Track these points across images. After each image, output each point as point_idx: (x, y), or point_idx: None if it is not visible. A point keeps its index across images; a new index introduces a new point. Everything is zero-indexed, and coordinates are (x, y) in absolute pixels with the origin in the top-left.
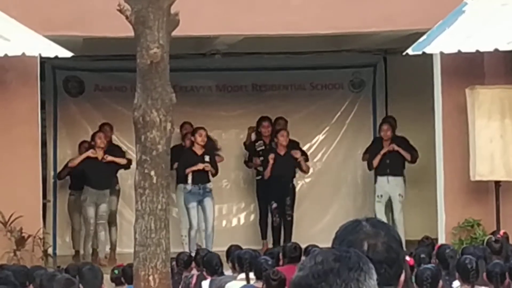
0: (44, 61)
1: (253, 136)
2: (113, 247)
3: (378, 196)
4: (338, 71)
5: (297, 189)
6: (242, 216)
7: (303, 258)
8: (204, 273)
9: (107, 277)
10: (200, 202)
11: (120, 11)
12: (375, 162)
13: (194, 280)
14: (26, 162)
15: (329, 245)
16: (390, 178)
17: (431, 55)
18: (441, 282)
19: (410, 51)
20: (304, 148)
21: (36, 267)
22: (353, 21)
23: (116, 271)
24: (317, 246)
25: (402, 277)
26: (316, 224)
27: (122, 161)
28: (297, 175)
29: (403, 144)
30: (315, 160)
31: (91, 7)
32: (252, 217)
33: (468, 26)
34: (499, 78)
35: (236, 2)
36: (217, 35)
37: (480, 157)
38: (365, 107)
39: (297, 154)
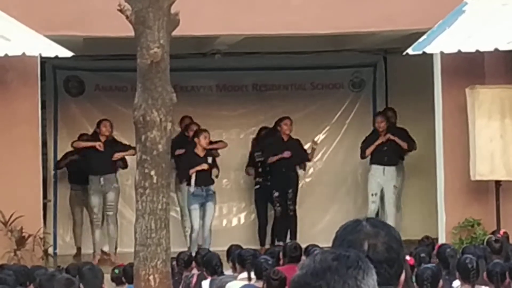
0: (44, 61)
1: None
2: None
3: (372, 195)
4: (338, 71)
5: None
6: (242, 216)
7: (303, 258)
8: (204, 272)
9: (107, 276)
10: (203, 205)
11: (120, 11)
12: (368, 151)
13: (194, 279)
14: (26, 162)
15: (330, 245)
16: (387, 168)
17: (431, 55)
18: (441, 282)
19: (410, 51)
20: (305, 148)
21: (37, 267)
22: (353, 21)
23: (116, 271)
24: (317, 246)
25: (403, 277)
26: (317, 223)
27: (131, 152)
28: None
29: (401, 134)
30: (315, 159)
31: (91, 7)
32: (252, 217)
33: (468, 26)
34: (499, 78)
35: (236, 2)
36: (217, 35)
37: (480, 156)
38: (366, 107)
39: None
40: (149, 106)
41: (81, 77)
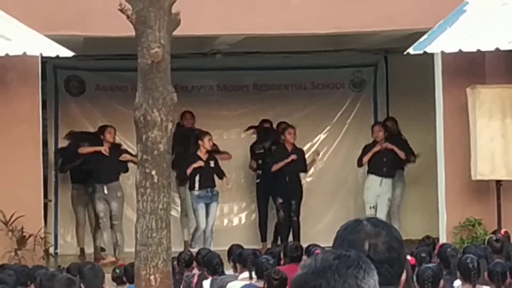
0: (45, 60)
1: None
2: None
3: (370, 208)
4: (339, 71)
5: None
6: (243, 215)
7: (304, 257)
8: (205, 272)
9: (108, 276)
10: (207, 205)
11: (121, 10)
12: (365, 158)
13: (195, 279)
14: (27, 161)
15: (330, 244)
16: (384, 180)
17: (432, 55)
18: (442, 282)
19: (411, 50)
20: (305, 148)
21: (37, 267)
22: (353, 21)
23: (117, 270)
24: (318, 246)
25: (403, 277)
26: (317, 223)
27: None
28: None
29: (400, 143)
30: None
31: (91, 7)
32: (253, 216)
33: (469, 25)
34: (500, 78)
35: (236, 2)
36: (218, 34)
37: (481, 156)
38: (366, 106)
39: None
40: (149, 106)
41: (82, 77)
